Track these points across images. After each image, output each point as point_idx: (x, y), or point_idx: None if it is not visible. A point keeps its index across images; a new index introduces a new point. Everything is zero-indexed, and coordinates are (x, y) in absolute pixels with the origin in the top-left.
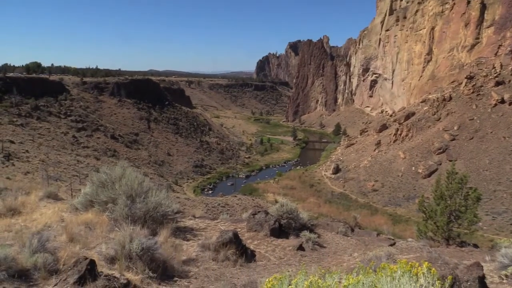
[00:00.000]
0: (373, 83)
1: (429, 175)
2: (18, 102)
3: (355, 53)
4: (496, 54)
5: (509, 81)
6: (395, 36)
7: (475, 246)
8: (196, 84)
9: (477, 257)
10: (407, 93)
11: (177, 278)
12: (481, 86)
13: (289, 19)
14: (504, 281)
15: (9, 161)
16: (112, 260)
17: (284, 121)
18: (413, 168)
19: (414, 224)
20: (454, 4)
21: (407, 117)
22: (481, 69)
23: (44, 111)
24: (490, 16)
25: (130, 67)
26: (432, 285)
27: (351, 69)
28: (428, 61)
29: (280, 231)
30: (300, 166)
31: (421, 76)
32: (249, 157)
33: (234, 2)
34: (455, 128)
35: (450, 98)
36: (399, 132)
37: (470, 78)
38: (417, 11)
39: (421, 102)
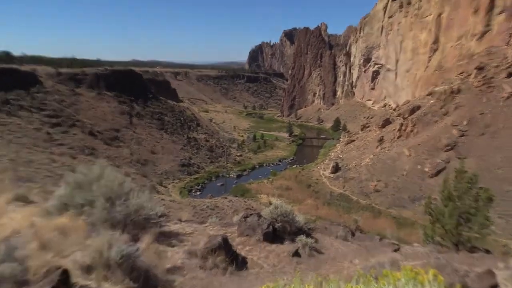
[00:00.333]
0: (375, 74)
1: (437, 174)
2: None
3: (356, 42)
4: (508, 43)
5: None
6: (399, 23)
7: (487, 251)
8: (183, 75)
9: (489, 264)
10: (412, 85)
11: None
12: (492, 77)
13: (284, 4)
14: None
15: None
16: (88, 269)
17: (279, 116)
18: (419, 167)
19: (420, 228)
20: None
21: (412, 111)
22: (491, 59)
23: (14, 105)
24: (501, 2)
25: (110, 57)
26: None
27: (351, 59)
28: (435, 51)
29: (274, 235)
30: (297, 164)
31: (427, 67)
32: (240, 155)
33: None
34: (464, 123)
35: (459, 90)
36: (403, 128)
37: (480, 69)
38: None
39: (427, 95)
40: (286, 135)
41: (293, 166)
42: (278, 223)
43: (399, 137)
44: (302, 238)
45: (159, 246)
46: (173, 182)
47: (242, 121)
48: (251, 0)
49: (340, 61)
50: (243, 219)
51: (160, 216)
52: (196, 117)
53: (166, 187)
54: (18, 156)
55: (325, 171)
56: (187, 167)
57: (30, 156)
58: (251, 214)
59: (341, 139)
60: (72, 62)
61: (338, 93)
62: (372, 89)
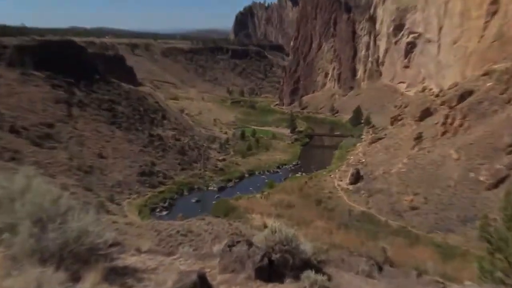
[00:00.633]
0: (410, 47)
1: (496, 184)
2: None
3: (383, 3)
4: None
5: None
6: None
7: None
8: (143, 48)
9: None
10: (462, 62)
11: None
12: None
13: None
14: None
15: None
16: None
17: (277, 105)
18: (472, 175)
19: (474, 260)
20: None
21: (462, 97)
22: None
23: None
24: None
25: (40, 22)
26: None
27: (377, 26)
28: (493, 14)
29: (270, 271)
30: (302, 172)
31: (482, 37)
32: (224, 160)
33: None
34: None
35: None
36: (449, 121)
37: None
38: None
39: (483, 75)
40: (287, 131)
41: (297, 174)
42: (276, 253)
43: (443, 133)
44: (309, 274)
45: (110, 287)
46: (129, 198)
47: (226, 112)
48: None
49: (362, 29)
50: (228, 249)
51: (110, 246)
52: (161, 106)
53: (119, 204)
54: None
55: (341, 181)
56: (148, 177)
57: None
58: (238, 242)
59: (363, 136)
60: None
61: (359, 73)
62: (406, 67)
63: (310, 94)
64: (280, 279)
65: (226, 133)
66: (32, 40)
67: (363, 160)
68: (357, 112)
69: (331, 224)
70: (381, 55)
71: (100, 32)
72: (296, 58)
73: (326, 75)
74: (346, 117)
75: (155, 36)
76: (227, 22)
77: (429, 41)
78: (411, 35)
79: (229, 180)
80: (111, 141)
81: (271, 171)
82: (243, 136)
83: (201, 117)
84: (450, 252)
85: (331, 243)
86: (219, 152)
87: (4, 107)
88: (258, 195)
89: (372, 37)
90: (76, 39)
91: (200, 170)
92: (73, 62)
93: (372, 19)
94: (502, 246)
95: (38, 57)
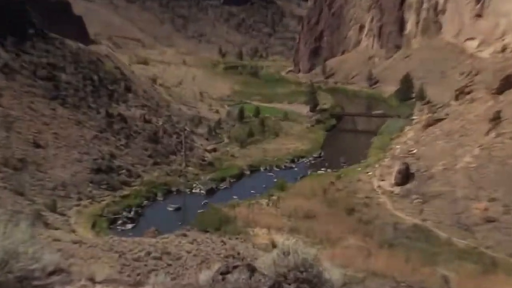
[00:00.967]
0: None
1: None
2: None
3: None
4: None
5: None
6: None
7: None
8: None
9: None
10: None
11: None
12: None
13: None
14: None
15: None
16: None
17: (290, 72)
18: None
19: None
20: None
21: None
22: None
23: None
24: None
25: None
26: None
27: None
28: None
29: None
30: (326, 168)
31: None
32: (214, 150)
33: None
34: None
35: None
36: None
37: None
38: None
39: None
40: (305, 109)
41: (320, 171)
42: (289, 284)
43: None
44: None
45: None
46: (78, 205)
47: (217, 82)
48: None
49: None
50: (220, 277)
51: (51, 273)
52: (124, 74)
53: (63, 214)
54: None
55: (383, 180)
56: (106, 175)
57: None
58: (235, 267)
59: (415, 117)
60: None
61: (409, 25)
62: (478, 16)
63: (338, 56)
64: None
65: (217, 112)
66: None
67: (415, 151)
68: (406, 83)
69: (368, 243)
70: (440, 1)
71: None
72: (318, 4)
73: (361, 28)
74: (389, 89)
75: None
76: None
77: None
78: None
79: (222, 180)
80: (52, 124)
81: (283, 166)
82: (241, 116)
83: (182, 89)
84: None
85: (369, 269)
86: (207, 140)
87: None
88: (263, 201)
89: None
90: None
91: (180, 165)
92: None
93: None
94: None
95: None
